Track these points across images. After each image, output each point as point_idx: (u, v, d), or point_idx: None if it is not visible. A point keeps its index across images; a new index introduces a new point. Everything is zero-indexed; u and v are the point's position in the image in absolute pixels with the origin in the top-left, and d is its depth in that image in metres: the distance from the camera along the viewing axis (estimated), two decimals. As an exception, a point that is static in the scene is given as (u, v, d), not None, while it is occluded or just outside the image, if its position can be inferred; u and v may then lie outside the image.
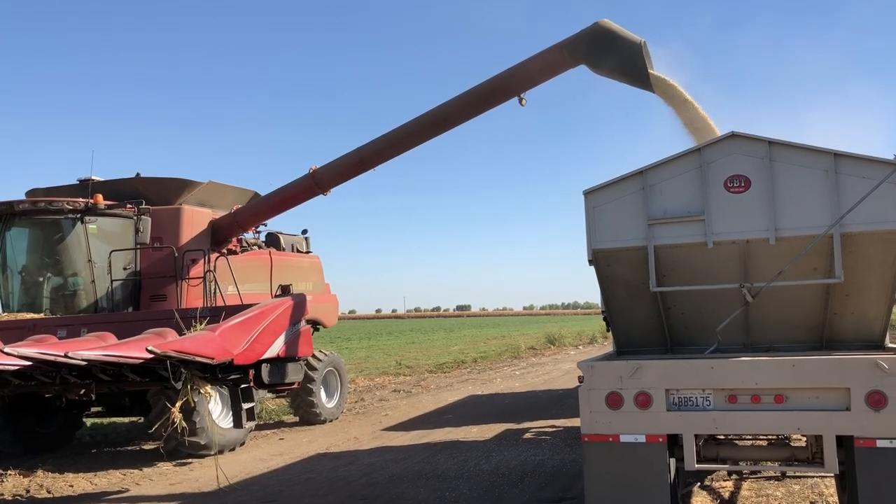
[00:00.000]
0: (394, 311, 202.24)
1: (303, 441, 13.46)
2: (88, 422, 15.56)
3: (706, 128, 10.16)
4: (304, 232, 16.24)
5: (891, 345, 7.61)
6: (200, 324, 8.85)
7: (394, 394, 21.11)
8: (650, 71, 10.64)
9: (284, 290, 9.84)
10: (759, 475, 8.62)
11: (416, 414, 16.45)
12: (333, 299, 16.36)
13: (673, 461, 6.68)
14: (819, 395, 6.15)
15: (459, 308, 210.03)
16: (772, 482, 8.45)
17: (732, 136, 6.87)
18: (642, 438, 6.46)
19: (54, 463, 11.90)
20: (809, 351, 7.49)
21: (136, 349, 7.76)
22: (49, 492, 10.25)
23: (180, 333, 8.72)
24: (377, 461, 11.06)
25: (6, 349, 7.52)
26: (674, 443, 6.57)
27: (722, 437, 7.08)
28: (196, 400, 8.68)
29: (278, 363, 9.17)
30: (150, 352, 7.38)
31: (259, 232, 15.10)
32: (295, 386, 10.99)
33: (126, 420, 15.78)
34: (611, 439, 6.53)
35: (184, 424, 8.54)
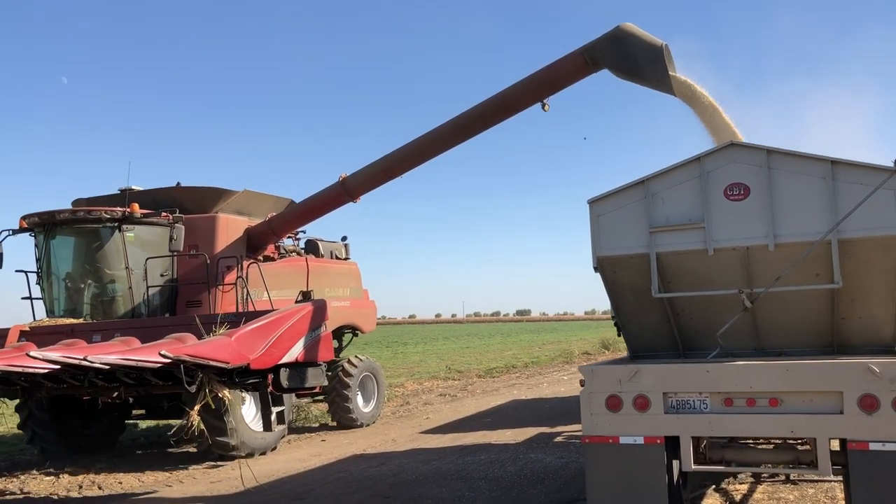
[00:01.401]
0: (453, 315, 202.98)
1: (343, 442, 13.89)
2: (143, 424, 16.31)
3: (729, 131, 10.11)
4: (344, 239, 16.62)
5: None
6: (220, 329, 9.14)
7: (439, 398, 21.46)
8: (672, 74, 10.52)
9: (305, 296, 10.16)
10: (775, 478, 8.70)
11: (457, 417, 16.76)
12: (371, 305, 16.66)
13: (677, 462, 6.86)
14: (813, 398, 6.26)
15: (519, 313, 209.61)
16: (787, 485, 8.52)
17: (731, 145, 7.05)
18: (641, 440, 6.65)
19: (107, 462, 12.58)
20: (820, 355, 7.58)
21: (153, 353, 7.96)
22: (100, 488, 10.87)
23: (200, 338, 9.01)
24: (408, 462, 11.41)
25: (31, 353, 7.90)
26: (677, 444, 6.74)
27: (727, 439, 7.23)
28: (226, 404, 8.95)
29: (298, 368, 9.37)
30: (163, 356, 7.65)
31: (299, 239, 15.52)
32: (317, 390, 11.23)
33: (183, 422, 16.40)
34: (611, 441, 6.73)
35: (202, 427, 8.75)
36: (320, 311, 9.71)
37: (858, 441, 6.04)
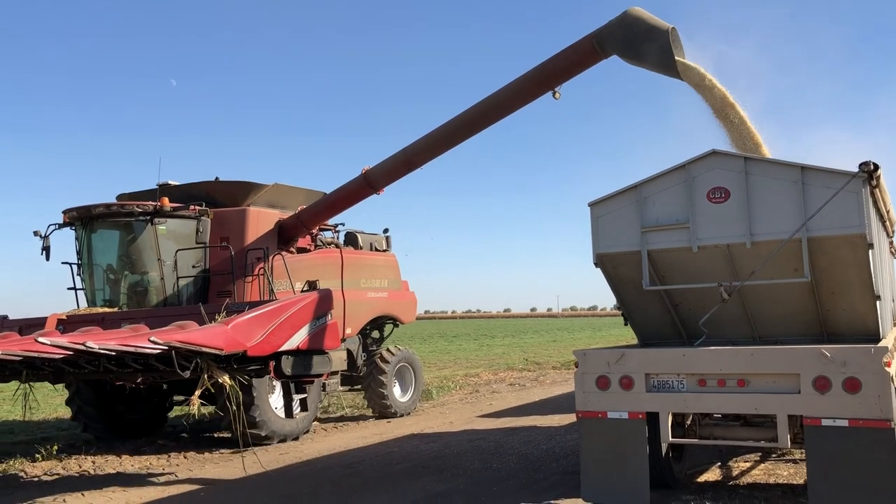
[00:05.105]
0: (549, 309, 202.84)
1: (405, 423, 15.10)
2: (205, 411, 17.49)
3: (736, 116, 9.97)
4: (385, 231, 17.03)
5: (887, 339, 8.20)
6: (220, 317, 9.23)
7: (509, 387, 22.44)
8: (677, 58, 10.32)
9: (311, 286, 10.50)
10: (780, 457, 9.38)
11: (517, 404, 17.74)
12: (411, 296, 17.05)
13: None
14: (775, 380, 7.04)
15: (617, 307, 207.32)
16: (787, 464, 9.19)
17: (713, 153, 7.83)
18: (625, 415, 7.56)
19: (194, 439, 14.12)
20: (811, 344, 8.25)
21: (147, 340, 7.93)
22: (185, 457, 12.39)
23: (201, 326, 9.15)
24: (455, 440, 12.52)
25: (39, 339, 8.04)
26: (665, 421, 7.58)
27: (718, 417, 8.04)
28: (228, 391, 9.02)
29: (301, 355, 9.44)
30: (152, 342, 7.71)
31: (338, 231, 15.99)
32: (323, 378, 11.52)
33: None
34: (600, 415, 7.67)
35: (202, 411, 8.86)
36: (325, 300, 9.76)
37: (812, 417, 6.79)
